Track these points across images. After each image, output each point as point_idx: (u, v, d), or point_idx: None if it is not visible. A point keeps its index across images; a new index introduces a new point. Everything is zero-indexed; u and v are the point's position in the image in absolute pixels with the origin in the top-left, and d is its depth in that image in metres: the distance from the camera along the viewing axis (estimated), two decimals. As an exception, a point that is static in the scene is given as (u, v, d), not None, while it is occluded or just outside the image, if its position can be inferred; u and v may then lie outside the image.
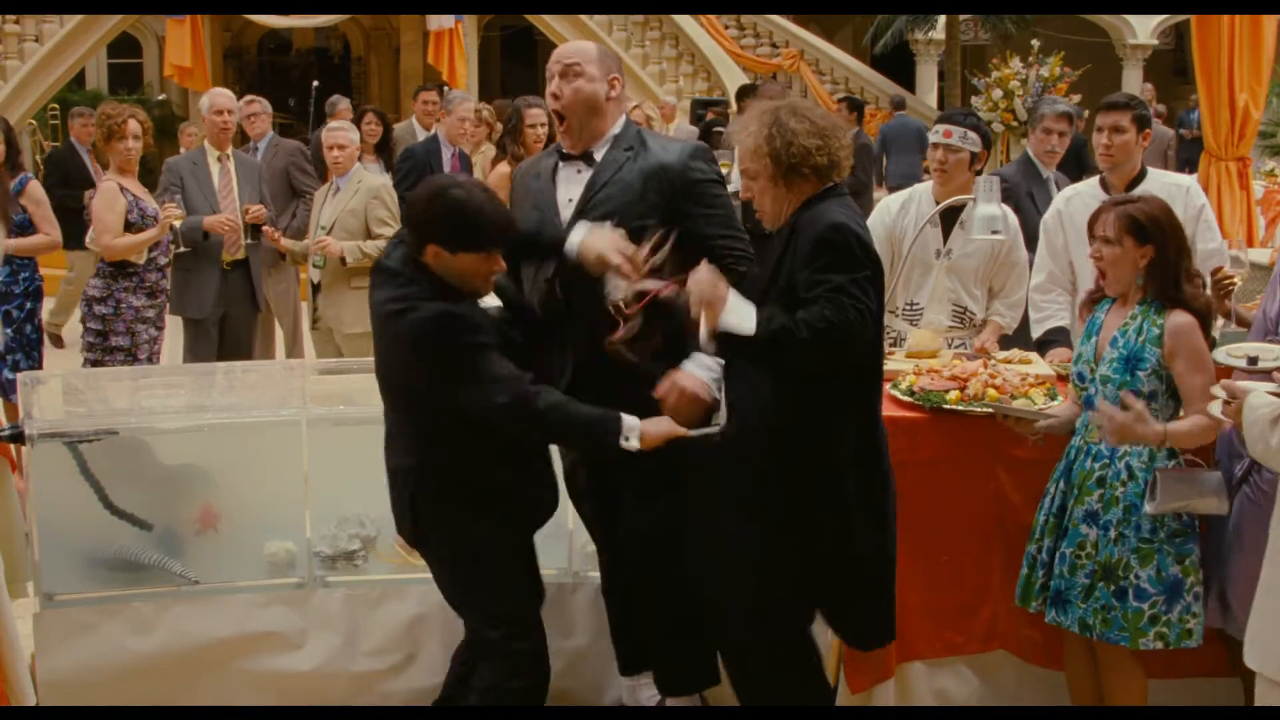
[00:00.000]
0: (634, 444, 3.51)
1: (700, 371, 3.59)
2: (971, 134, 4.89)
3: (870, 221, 5.05)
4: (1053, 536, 3.78)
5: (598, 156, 3.88)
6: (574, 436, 3.64)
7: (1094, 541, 3.69)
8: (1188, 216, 4.72)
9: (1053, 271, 4.92)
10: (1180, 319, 3.67)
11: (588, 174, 3.88)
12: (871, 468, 3.51)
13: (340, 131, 6.76)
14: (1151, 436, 3.54)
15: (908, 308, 5.03)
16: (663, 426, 3.53)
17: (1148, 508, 3.63)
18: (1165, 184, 4.82)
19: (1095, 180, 4.93)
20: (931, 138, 4.98)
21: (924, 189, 5.09)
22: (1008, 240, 4.90)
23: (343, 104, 11.21)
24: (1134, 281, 3.74)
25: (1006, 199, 4.91)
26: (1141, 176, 4.82)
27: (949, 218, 4.93)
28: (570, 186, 3.90)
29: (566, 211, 3.86)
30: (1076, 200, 4.89)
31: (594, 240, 3.62)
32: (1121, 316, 3.77)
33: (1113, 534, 3.66)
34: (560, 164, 3.93)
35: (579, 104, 3.84)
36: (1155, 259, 3.71)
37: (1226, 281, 4.40)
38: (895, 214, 5.03)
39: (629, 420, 3.51)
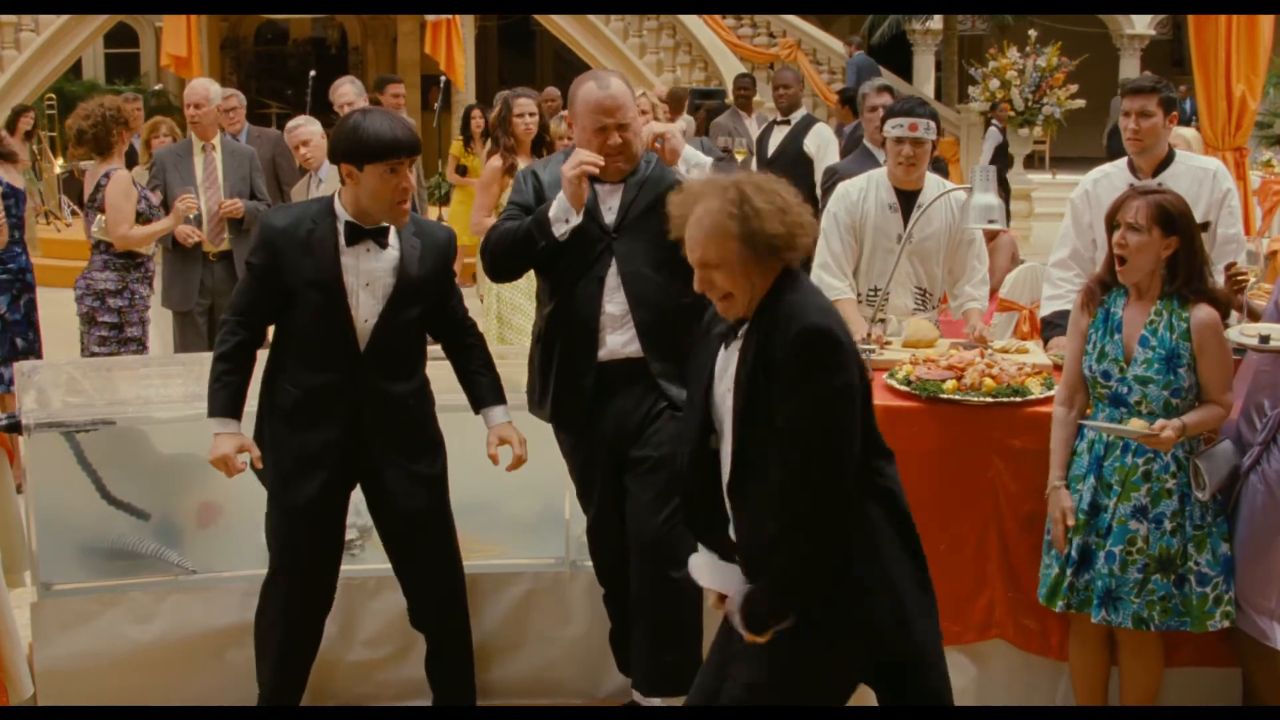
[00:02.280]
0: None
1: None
2: (932, 123, 4.97)
3: (834, 209, 5.09)
4: (1083, 533, 3.77)
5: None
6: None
7: (1145, 536, 3.71)
8: (1213, 200, 4.65)
9: (1076, 249, 4.86)
10: (1206, 313, 3.69)
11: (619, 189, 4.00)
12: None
13: (301, 128, 6.82)
14: (1175, 436, 3.60)
15: (870, 294, 5.03)
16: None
17: (1202, 494, 3.68)
18: (1192, 167, 4.73)
19: (1123, 162, 4.81)
20: (895, 131, 4.95)
21: (879, 174, 5.11)
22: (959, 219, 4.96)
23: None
24: (1150, 272, 3.74)
25: None
26: (1169, 159, 4.71)
27: (907, 202, 4.96)
28: (609, 199, 4.00)
29: (611, 218, 3.98)
30: (1104, 182, 4.81)
31: None
32: (1143, 312, 3.75)
33: (1168, 526, 3.70)
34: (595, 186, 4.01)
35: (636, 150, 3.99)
36: (1179, 251, 3.70)
37: (1240, 277, 4.39)
38: (855, 200, 5.05)
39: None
